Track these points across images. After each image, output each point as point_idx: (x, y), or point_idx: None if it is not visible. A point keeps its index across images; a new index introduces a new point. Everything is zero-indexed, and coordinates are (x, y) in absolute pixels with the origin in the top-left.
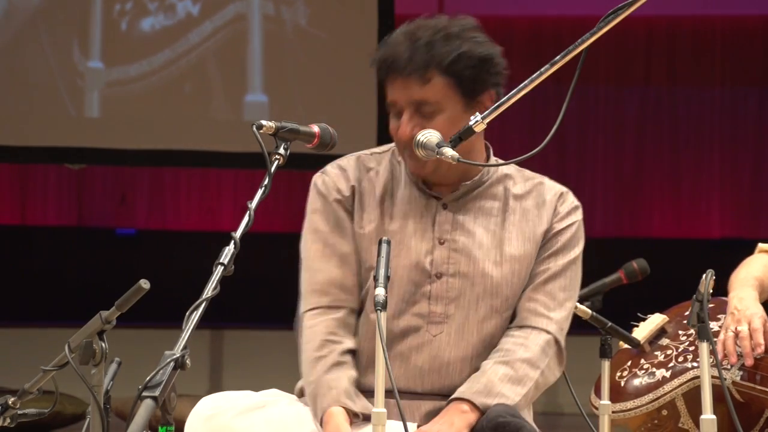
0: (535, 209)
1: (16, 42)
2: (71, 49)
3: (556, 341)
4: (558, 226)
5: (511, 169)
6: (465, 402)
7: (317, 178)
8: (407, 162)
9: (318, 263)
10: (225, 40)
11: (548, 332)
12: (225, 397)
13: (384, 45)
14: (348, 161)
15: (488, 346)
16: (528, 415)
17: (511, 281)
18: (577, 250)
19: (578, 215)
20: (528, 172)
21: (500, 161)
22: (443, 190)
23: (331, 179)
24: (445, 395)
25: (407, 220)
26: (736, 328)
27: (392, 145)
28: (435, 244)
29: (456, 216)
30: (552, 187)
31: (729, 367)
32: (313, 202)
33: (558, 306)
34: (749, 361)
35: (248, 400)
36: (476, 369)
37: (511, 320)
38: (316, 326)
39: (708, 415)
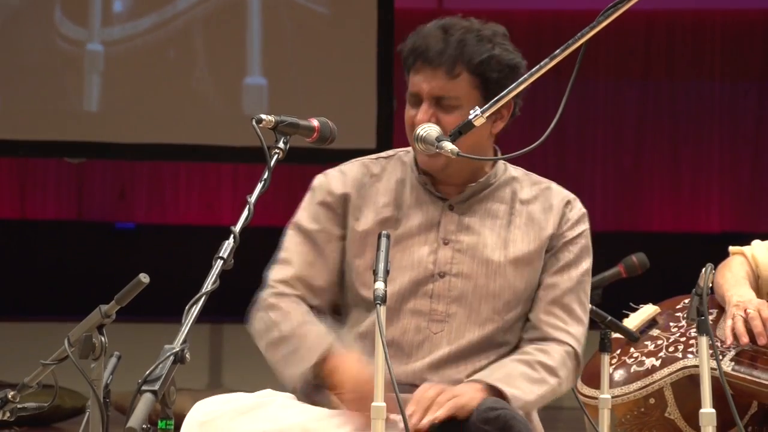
0: (542, 213)
1: (13, 36)
2: (68, 34)
3: (576, 355)
4: (569, 235)
5: (518, 172)
6: (481, 383)
7: (316, 178)
8: (418, 155)
9: (293, 257)
10: (224, 31)
11: (570, 345)
12: (219, 400)
13: (415, 35)
14: (351, 166)
15: (487, 348)
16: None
17: (514, 283)
18: (588, 261)
19: (587, 223)
20: (535, 177)
21: (503, 158)
22: (450, 192)
23: (326, 180)
24: None
25: (412, 220)
26: (745, 310)
27: (397, 150)
28: (439, 245)
29: (462, 217)
30: (559, 193)
31: (721, 358)
32: (305, 199)
33: (576, 321)
34: (762, 340)
35: (243, 402)
36: (475, 368)
37: (525, 330)
38: (279, 303)
39: (707, 409)
